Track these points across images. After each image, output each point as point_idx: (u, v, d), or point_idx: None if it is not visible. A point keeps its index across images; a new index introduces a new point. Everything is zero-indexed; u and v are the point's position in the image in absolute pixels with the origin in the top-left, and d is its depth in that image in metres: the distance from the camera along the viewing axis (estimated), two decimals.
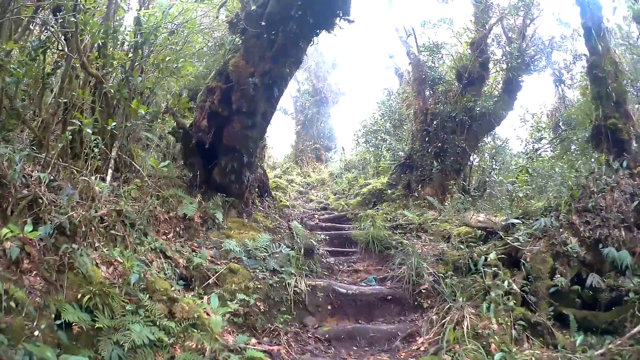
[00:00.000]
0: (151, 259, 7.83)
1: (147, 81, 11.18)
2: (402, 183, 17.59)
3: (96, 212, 7.16)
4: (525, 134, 20.94)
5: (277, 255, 9.44)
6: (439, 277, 9.55)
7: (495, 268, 8.96)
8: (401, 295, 9.42)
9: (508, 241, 9.70)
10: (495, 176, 17.82)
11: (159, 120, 14.15)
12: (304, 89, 34.44)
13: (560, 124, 18.91)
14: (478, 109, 16.94)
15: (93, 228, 6.99)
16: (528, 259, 9.00)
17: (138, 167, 10.30)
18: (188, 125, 11.64)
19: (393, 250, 11.63)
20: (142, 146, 14.33)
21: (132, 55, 10.55)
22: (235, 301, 7.75)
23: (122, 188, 9.40)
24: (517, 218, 10.54)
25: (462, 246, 10.94)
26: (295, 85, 35.53)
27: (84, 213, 6.74)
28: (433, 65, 18.91)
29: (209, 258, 8.77)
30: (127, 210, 8.24)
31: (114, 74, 10.40)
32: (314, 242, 11.06)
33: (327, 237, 12.69)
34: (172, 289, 7.09)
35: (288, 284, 8.64)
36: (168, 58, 11.15)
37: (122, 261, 6.80)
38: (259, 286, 8.35)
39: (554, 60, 18.48)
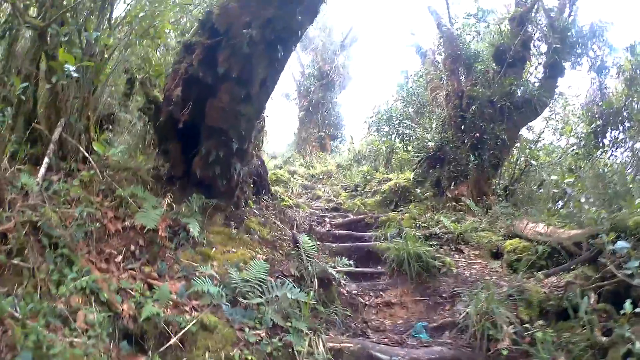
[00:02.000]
0: (75, 307, 4.83)
1: (108, 39, 8.08)
2: (430, 180, 14.52)
3: None
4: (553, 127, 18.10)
5: (278, 298, 6.06)
6: (522, 326, 6.40)
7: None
8: None
9: (617, 274, 6.49)
10: (544, 175, 14.64)
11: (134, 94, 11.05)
12: (308, 72, 31.63)
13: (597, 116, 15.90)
14: (520, 94, 14.15)
15: None
16: None
17: (86, 155, 7.35)
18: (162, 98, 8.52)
19: (433, 271, 8.84)
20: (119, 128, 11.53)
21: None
22: None
23: (62, 185, 6.65)
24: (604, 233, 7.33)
25: (520, 267, 8.48)
26: (298, 67, 33.03)
27: None
28: (468, 39, 15.88)
29: (172, 299, 5.65)
30: (50, 222, 5.27)
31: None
32: (333, 272, 7.65)
33: (343, 251, 9.87)
34: None
35: (297, 351, 5.30)
36: (142, 14, 8.26)
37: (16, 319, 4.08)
38: (248, 357, 5.09)
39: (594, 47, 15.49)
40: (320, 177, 21.80)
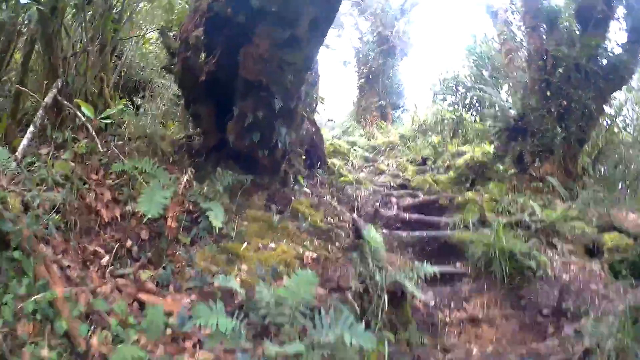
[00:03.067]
0: (19, 340, 3.22)
1: None
2: (511, 154, 12.30)
3: None
4: None
5: (329, 340, 3.87)
6: None
7: None
8: None
9: None
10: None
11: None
12: (367, 39, 29.14)
13: None
14: (605, 59, 11.89)
15: None
16: None
17: (83, 120, 5.70)
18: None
19: (527, 273, 6.93)
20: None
21: None
22: None
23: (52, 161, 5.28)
24: None
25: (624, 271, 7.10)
26: (356, 33, 30.40)
27: None
28: None
29: (168, 330, 3.82)
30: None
31: None
32: (408, 284, 5.57)
33: (415, 242, 8.18)
34: None
35: None
36: None
37: None
38: None
39: None
40: (383, 148, 19.60)
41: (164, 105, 9.73)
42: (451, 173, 12.83)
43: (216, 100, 6.75)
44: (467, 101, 19.32)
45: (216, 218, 5.27)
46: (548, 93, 11.80)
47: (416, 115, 21.90)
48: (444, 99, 20.54)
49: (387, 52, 28.06)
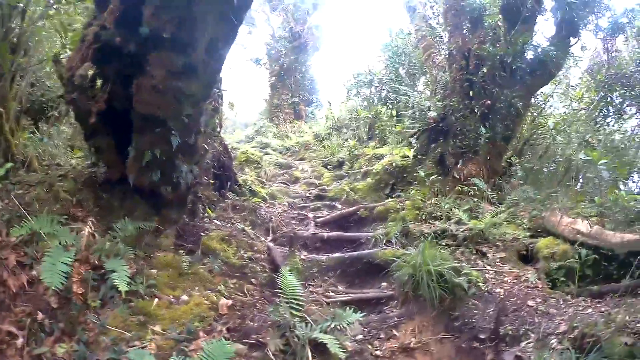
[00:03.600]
0: None
1: None
2: (432, 156, 12.00)
3: None
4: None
5: None
6: None
7: None
8: None
9: None
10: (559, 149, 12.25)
11: None
12: (279, 35, 28.74)
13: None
14: (532, 54, 11.80)
15: None
16: None
17: None
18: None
19: (458, 292, 6.52)
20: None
21: None
22: None
23: None
24: None
25: (561, 280, 6.82)
26: (268, 29, 30.06)
27: None
28: None
29: None
30: None
31: None
32: (327, 337, 5.00)
33: (336, 265, 7.75)
34: None
35: None
36: None
37: None
38: None
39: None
40: (297, 149, 19.34)
41: (71, 125, 9.04)
42: (369, 179, 12.46)
43: (116, 133, 6.09)
44: (383, 95, 18.95)
45: (121, 280, 4.68)
46: (471, 93, 11.59)
47: (330, 112, 21.53)
48: (358, 94, 20.12)
49: (299, 48, 27.85)
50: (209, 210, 7.87)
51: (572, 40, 12.11)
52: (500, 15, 12.13)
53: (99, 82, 5.91)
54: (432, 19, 16.03)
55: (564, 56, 12.05)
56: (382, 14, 57.97)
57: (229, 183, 10.08)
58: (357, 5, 54.79)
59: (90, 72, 5.40)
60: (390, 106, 17.62)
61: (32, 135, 7.57)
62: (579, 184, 11.20)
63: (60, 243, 4.78)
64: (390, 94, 17.69)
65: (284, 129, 24.25)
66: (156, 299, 5.02)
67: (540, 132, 13.35)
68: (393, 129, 15.48)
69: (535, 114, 13.67)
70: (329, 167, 15.53)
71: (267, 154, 17.96)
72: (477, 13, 12.10)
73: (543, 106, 14.17)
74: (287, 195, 12.30)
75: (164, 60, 5.26)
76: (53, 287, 4.27)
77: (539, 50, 11.76)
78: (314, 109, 28.56)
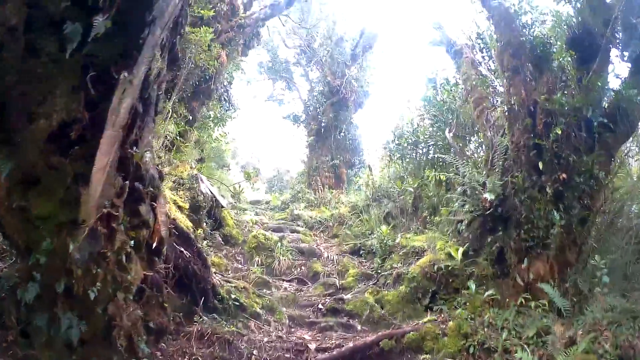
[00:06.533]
0: None
1: None
2: (487, 252, 8.83)
3: None
4: None
5: None
6: None
7: None
8: None
9: None
10: None
11: None
12: (317, 91, 26.77)
13: None
14: (606, 101, 8.56)
15: None
16: None
17: None
18: None
19: None
20: None
21: None
22: None
23: None
24: None
25: None
26: (306, 85, 28.46)
27: None
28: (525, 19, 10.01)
29: None
30: None
31: None
32: None
33: None
34: None
35: None
36: None
37: None
38: None
39: None
40: (330, 223, 16.72)
41: None
42: (402, 287, 9.19)
43: None
44: (430, 157, 15.62)
45: None
46: (540, 165, 8.28)
47: (370, 179, 18.41)
48: (402, 158, 16.92)
49: (338, 104, 25.66)
50: None
51: None
52: (568, 53, 8.85)
53: None
54: (483, 65, 12.73)
55: None
56: (429, 60, 54.29)
57: (203, 298, 7.48)
58: (401, 52, 51.78)
59: None
60: (439, 170, 14.22)
61: None
62: None
63: None
64: (437, 156, 14.34)
65: (322, 194, 21.55)
66: None
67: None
68: (442, 202, 12.16)
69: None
70: (361, 253, 12.83)
71: (294, 231, 15.36)
72: (542, 49, 8.86)
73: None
74: (294, 305, 9.46)
75: None
76: None
77: (620, 96, 8.44)
78: (356, 171, 25.66)
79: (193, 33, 11.65)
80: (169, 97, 12.28)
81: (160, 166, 11.31)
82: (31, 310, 4.49)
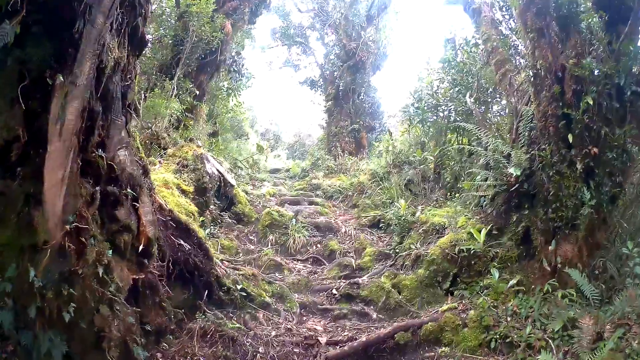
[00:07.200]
0: None
1: None
2: (511, 230, 8.21)
3: None
4: None
5: None
6: None
7: None
8: None
9: None
10: None
11: None
12: (334, 54, 26.08)
13: None
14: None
15: None
16: None
17: None
18: None
19: None
20: None
21: None
22: None
23: None
24: None
25: None
26: (321, 49, 27.66)
27: None
28: None
29: None
30: None
31: None
32: None
33: None
34: None
35: None
36: None
37: None
38: None
39: None
40: (350, 192, 16.21)
41: None
42: (421, 270, 8.56)
43: None
44: (452, 119, 14.77)
45: None
46: (570, 137, 7.54)
47: (391, 144, 17.64)
48: (422, 122, 16.08)
49: (355, 67, 24.84)
50: None
51: None
52: (597, 14, 7.94)
53: None
54: (504, 24, 11.88)
55: None
56: (444, 21, 52.89)
57: (207, 291, 7.05)
58: (419, 11, 50.44)
59: None
60: (460, 136, 13.46)
61: None
62: None
63: None
64: (458, 123, 13.54)
65: (342, 161, 21.06)
66: None
67: None
68: (464, 171, 11.47)
69: None
70: (380, 226, 12.35)
71: (312, 202, 15.04)
72: (570, 9, 8.04)
73: None
74: (307, 290, 8.96)
75: None
76: None
77: None
78: (377, 136, 24.67)
79: (194, 5, 11.15)
80: (169, 76, 11.95)
81: (164, 146, 10.90)
82: (16, 328, 4.10)
